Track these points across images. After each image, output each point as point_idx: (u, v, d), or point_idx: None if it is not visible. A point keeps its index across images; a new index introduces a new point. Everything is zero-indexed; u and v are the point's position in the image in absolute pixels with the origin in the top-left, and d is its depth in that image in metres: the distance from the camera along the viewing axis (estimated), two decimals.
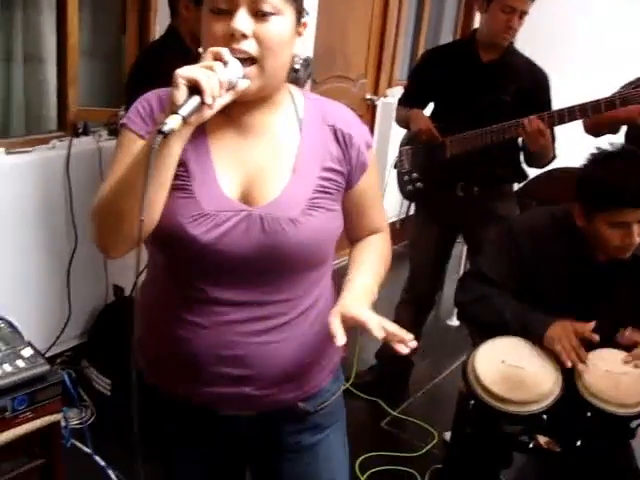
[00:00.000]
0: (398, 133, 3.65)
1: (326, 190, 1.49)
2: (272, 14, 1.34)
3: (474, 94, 3.10)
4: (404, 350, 1.38)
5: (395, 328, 1.39)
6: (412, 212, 3.67)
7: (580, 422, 2.23)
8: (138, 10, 3.42)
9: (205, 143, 1.45)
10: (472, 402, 2.24)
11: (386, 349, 3.59)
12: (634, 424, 2.26)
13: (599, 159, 2.35)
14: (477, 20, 3.37)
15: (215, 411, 1.57)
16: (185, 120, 1.24)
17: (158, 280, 1.55)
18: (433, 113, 3.34)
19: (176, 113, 1.23)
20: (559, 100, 3.11)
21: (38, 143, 3.11)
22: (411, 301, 3.55)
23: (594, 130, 3.23)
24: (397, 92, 5.06)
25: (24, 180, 3.00)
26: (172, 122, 1.22)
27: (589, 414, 2.20)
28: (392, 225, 4.56)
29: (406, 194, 3.45)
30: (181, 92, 1.24)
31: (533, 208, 3.34)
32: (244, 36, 1.32)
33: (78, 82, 3.27)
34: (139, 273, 1.32)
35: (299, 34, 1.45)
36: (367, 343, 3.69)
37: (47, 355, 3.03)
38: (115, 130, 3.27)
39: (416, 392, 3.67)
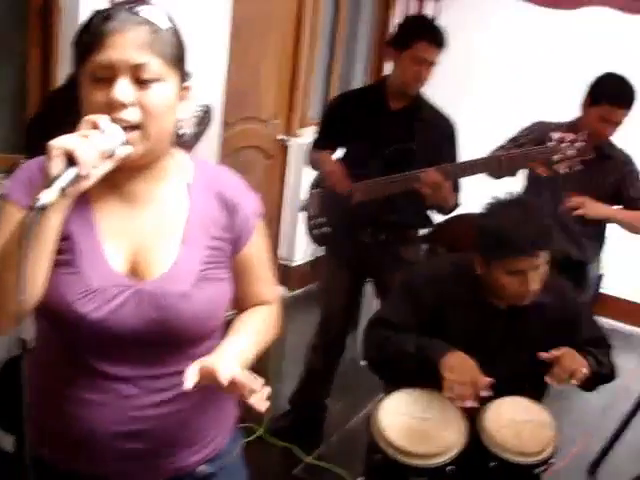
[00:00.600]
0: (311, 174, 3.67)
1: (215, 260, 1.49)
2: (153, 81, 1.34)
3: (382, 141, 3.15)
4: (260, 406, 1.35)
5: (244, 378, 1.35)
6: (321, 253, 3.68)
7: (486, 472, 2.25)
8: (41, 54, 3.36)
9: (90, 214, 1.42)
10: (379, 456, 2.24)
11: (299, 393, 3.61)
12: (538, 471, 2.30)
13: (494, 209, 2.41)
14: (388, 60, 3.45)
15: None
16: (61, 193, 1.22)
17: (46, 354, 1.50)
18: (343, 157, 3.38)
19: (51, 187, 1.20)
20: (470, 141, 3.20)
21: None
22: (322, 346, 3.55)
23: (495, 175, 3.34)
24: (309, 132, 5.10)
25: None
26: (46, 197, 1.20)
27: (493, 464, 2.23)
28: (303, 266, 4.63)
29: (313, 238, 3.48)
30: (56, 163, 1.22)
31: (436, 257, 3.42)
32: (124, 105, 1.31)
33: None
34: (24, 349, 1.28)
35: (182, 98, 1.44)
36: (280, 388, 3.69)
37: None
38: None
39: (330, 437, 3.66)
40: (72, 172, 1.22)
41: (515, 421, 2.29)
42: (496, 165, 2.95)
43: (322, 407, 3.64)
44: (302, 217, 3.53)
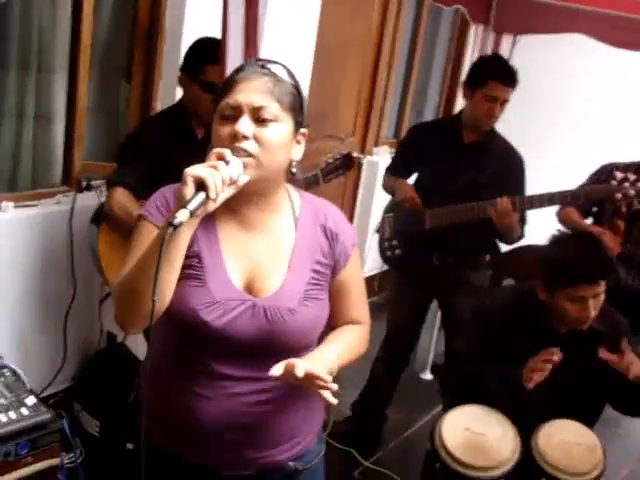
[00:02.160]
0: (381, 192, 3.88)
1: (317, 282, 1.73)
2: (271, 121, 1.59)
3: (454, 172, 3.32)
4: (331, 400, 1.57)
5: (318, 372, 1.55)
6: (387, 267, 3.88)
7: None
8: (143, 72, 3.62)
9: (216, 237, 1.68)
10: (438, 465, 2.44)
11: (361, 402, 3.79)
12: None
13: (558, 241, 2.60)
14: (460, 83, 3.59)
15: (218, 472, 1.76)
16: (192, 214, 1.44)
17: (168, 354, 1.75)
18: (415, 184, 3.56)
19: (185, 207, 1.43)
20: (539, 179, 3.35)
21: (44, 197, 3.27)
22: (387, 360, 3.75)
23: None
24: (383, 151, 5.31)
25: (30, 232, 3.16)
26: (181, 216, 1.42)
27: None
28: (372, 278, 4.78)
29: (385, 259, 3.67)
30: (189, 188, 1.45)
31: (501, 287, 3.57)
32: (245, 137, 1.55)
33: (83, 138, 3.44)
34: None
35: (298, 142, 1.70)
36: (343, 394, 3.88)
37: (41, 396, 3.17)
38: None
39: (388, 444, 3.85)
40: (202, 196, 1.45)
41: (566, 442, 2.46)
42: (561, 200, 3.11)
43: (382, 416, 3.85)
44: (375, 238, 3.71)
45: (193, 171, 1.47)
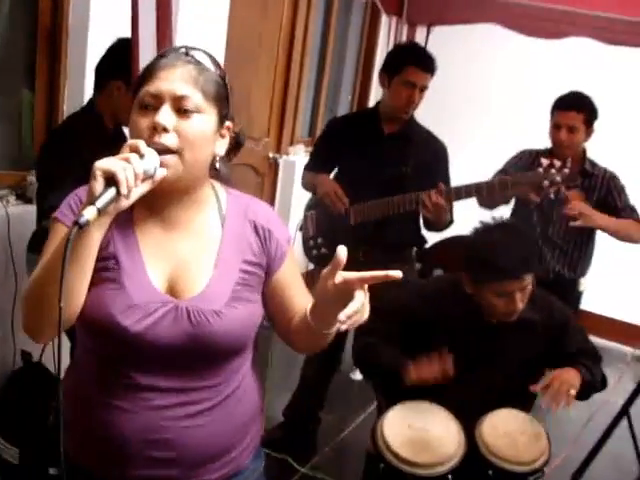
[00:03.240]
0: (300, 190, 3.80)
1: (246, 282, 1.61)
2: (193, 112, 1.47)
3: (377, 164, 3.27)
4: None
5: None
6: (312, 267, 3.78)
7: None
8: (48, 74, 3.44)
9: (134, 237, 1.55)
10: (382, 465, 2.36)
11: (293, 406, 3.69)
12: (532, 479, 2.42)
13: (481, 233, 2.55)
14: (375, 79, 3.55)
15: None
16: (100, 211, 1.33)
17: (85, 365, 1.61)
18: (336, 179, 3.47)
19: (92, 204, 1.32)
20: (457, 166, 3.33)
21: None
22: (317, 359, 3.63)
23: (488, 205, 3.50)
24: (298, 150, 5.24)
25: None
26: (88, 213, 1.31)
27: (491, 472, 2.36)
28: None
29: (311, 258, 3.58)
30: (98, 183, 1.33)
31: (431, 278, 3.53)
32: (165, 130, 1.44)
33: None
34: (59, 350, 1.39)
35: (222, 136, 1.58)
36: (274, 400, 3.78)
37: None
38: (24, 195, 3.26)
39: (324, 447, 3.75)
40: (112, 192, 1.33)
41: (511, 432, 2.42)
42: (489, 190, 3.08)
43: (316, 419, 3.74)
44: (299, 237, 3.62)
45: (102, 164, 1.35)
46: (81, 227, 1.30)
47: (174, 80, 1.47)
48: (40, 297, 1.44)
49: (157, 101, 1.46)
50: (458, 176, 3.35)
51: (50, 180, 2.75)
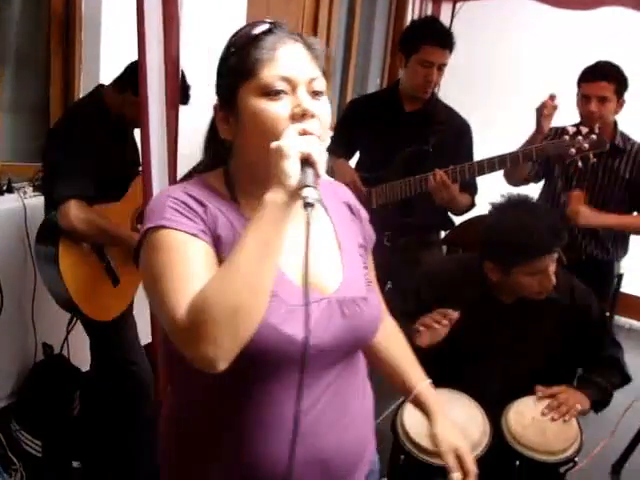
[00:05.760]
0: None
1: (365, 265, 1.52)
2: (322, 94, 1.34)
3: (397, 144, 3.16)
4: None
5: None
6: None
7: (510, 471, 2.27)
8: (62, 64, 3.40)
9: None
10: (402, 456, 2.26)
11: None
12: (563, 469, 2.32)
13: (500, 215, 2.42)
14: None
15: None
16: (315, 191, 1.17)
17: (203, 393, 1.42)
18: (359, 162, 3.39)
19: (308, 186, 1.16)
20: (484, 146, 3.20)
21: None
22: None
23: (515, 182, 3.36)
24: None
25: None
26: (313, 193, 1.16)
27: (518, 462, 2.25)
28: None
29: None
30: (295, 164, 1.18)
31: (445, 257, 3.42)
32: (314, 116, 1.28)
33: (1, 137, 3.22)
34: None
35: None
36: None
37: None
38: (40, 186, 3.22)
39: None
40: (311, 174, 1.19)
41: (538, 419, 2.30)
42: (512, 161, 2.92)
43: None
44: None
45: (298, 144, 1.19)
46: (312, 206, 1.15)
47: (301, 60, 1.33)
48: (236, 310, 1.17)
49: (290, 84, 1.31)
50: (483, 155, 3.19)
51: (59, 170, 2.71)
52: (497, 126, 5.01)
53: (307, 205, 1.15)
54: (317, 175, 1.19)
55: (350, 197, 1.60)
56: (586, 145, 2.76)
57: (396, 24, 5.79)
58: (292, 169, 1.17)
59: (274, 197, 1.18)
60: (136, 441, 3.02)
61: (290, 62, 1.31)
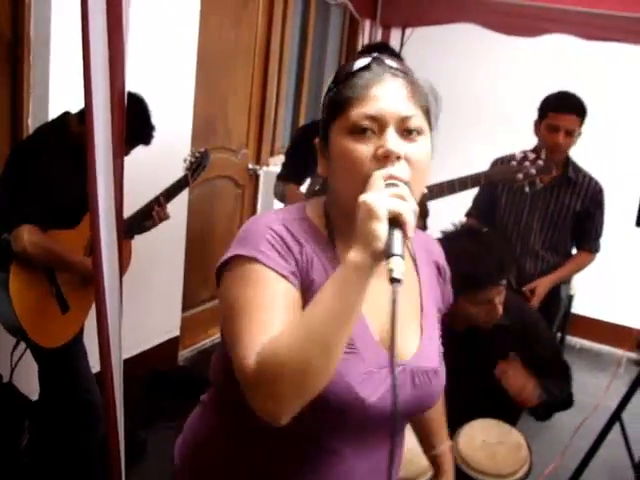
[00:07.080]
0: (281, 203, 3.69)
1: (441, 332, 1.49)
2: (419, 134, 1.27)
3: None
4: None
5: None
6: None
7: None
8: (9, 83, 3.33)
9: None
10: None
11: None
12: None
13: (451, 244, 2.42)
14: None
15: None
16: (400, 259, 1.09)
17: (248, 440, 1.39)
18: (310, 188, 3.39)
19: (395, 255, 1.07)
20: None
21: None
22: None
23: None
24: (279, 161, 5.14)
25: None
26: (400, 266, 1.06)
27: None
28: None
29: None
30: (383, 224, 1.09)
31: None
32: (399, 158, 1.22)
33: None
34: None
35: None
36: None
37: None
38: None
39: None
40: (399, 236, 1.09)
41: (489, 443, 2.32)
42: (461, 186, 2.95)
43: None
44: None
45: (387, 202, 1.10)
46: (399, 282, 1.06)
47: (394, 98, 1.26)
48: (306, 368, 1.12)
49: (378, 123, 1.25)
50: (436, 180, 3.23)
51: (15, 192, 2.70)
52: (443, 150, 5.07)
53: (393, 281, 1.06)
54: (406, 237, 1.11)
55: (440, 255, 1.56)
56: (533, 170, 2.80)
57: (349, 47, 5.87)
58: (381, 232, 1.09)
59: (357, 260, 1.10)
60: (88, 471, 2.98)
61: (381, 100, 1.26)
